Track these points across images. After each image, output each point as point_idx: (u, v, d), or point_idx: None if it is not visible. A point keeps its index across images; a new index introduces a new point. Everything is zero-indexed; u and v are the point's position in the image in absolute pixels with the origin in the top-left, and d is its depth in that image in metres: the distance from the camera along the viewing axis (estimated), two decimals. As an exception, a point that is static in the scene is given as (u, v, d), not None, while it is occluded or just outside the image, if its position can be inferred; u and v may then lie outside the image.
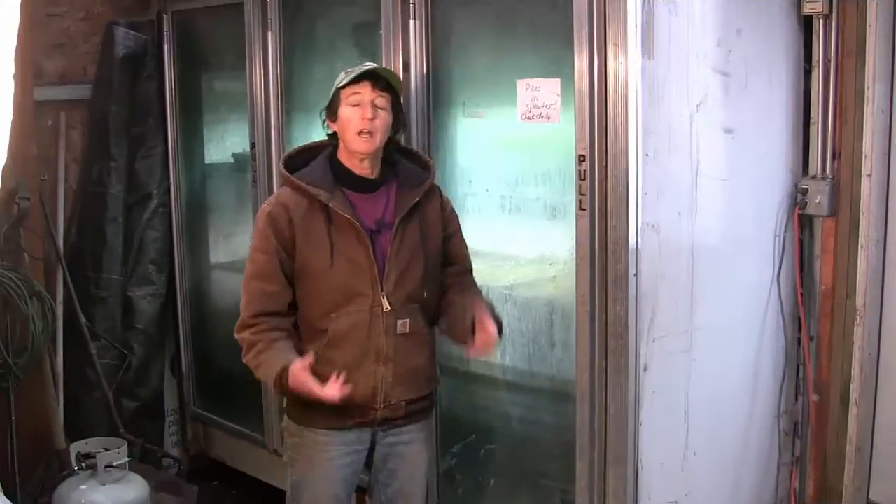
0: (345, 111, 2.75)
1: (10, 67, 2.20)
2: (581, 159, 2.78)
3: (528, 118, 2.99)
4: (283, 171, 2.84)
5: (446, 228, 2.92)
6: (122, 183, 4.43)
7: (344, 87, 2.75)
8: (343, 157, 2.81)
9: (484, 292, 3.29)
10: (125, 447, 3.67)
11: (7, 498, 3.05)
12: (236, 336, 2.81)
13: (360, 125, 2.71)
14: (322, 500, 2.88)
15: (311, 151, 2.90)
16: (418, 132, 3.34)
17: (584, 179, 2.78)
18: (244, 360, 2.81)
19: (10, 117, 2.24)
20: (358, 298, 2.74)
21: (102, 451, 3.61)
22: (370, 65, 2.81)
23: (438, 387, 3.04)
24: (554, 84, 2.92)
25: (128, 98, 4.43)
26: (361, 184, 2.79)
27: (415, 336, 2.81)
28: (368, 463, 2.93)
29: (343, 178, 2.78)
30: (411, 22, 3.29)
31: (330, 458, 2.84)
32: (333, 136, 2.84)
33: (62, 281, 4.25)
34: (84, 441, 3.70)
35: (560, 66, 2.87)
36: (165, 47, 4.46)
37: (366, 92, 2.73)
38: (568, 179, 2.90)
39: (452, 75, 3.31)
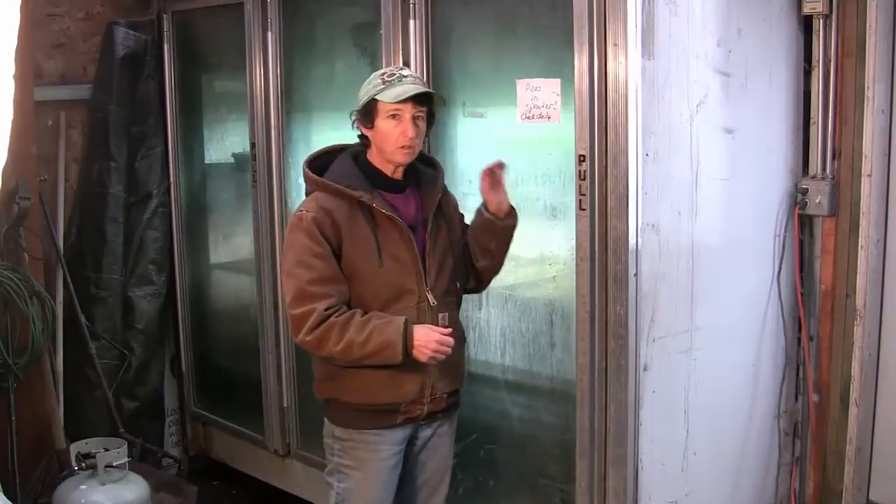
0: (385, 124, 2.73)
1: (10, 67, 2.20)
2: (581, 159, 2.78)
3: (528, 118, 2.99)
4: (315, 176, 2.79)
5: (461, 222, 2.98)
6: (122, 183, 4.43)
7: (382, 100, 2.71)
8: (375, 160, 2.80)
9: (484, 292, 3.30)
10: (125, 447, 3.67)
11: (7, 498, 3.04)
12: (307, 338, 2.66)
13: (401, 141, 2.73)
14: (375, 498, 2.86)
15: (329, 155, 2.89)
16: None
17: (584, 179, 2.78)
18: (332, 350, 2.65)
19: (10, 117, 2.24)
20: (406, 295, 2.77)
21: (102, 451, 3.61)
22: (407, 74, 2.75)
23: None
24: (554, 84, 2.92)
25: (128, 98, 4.43)
26: (393, 185, 2.81)
27: (453, 329, 2.84)
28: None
29: (375, 179, 2.79)
30: (411, 22, 3.29)
31: (381, 458, 2.84)
32: (362, 138, 2.82)
33: (62, 281, 4.25)
34: (84, 441, 3.70)
35: (560, 66, 2.87)
36: (165, 47, 4.46)
37: (407, 108, 2.71)
38: (568, 179, 2.91)
39: (452, 75, 3.31)
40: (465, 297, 3.33)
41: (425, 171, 2.90)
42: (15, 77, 2.24)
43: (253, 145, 3.99)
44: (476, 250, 2.94)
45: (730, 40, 2.93)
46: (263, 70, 3.90)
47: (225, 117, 4.43)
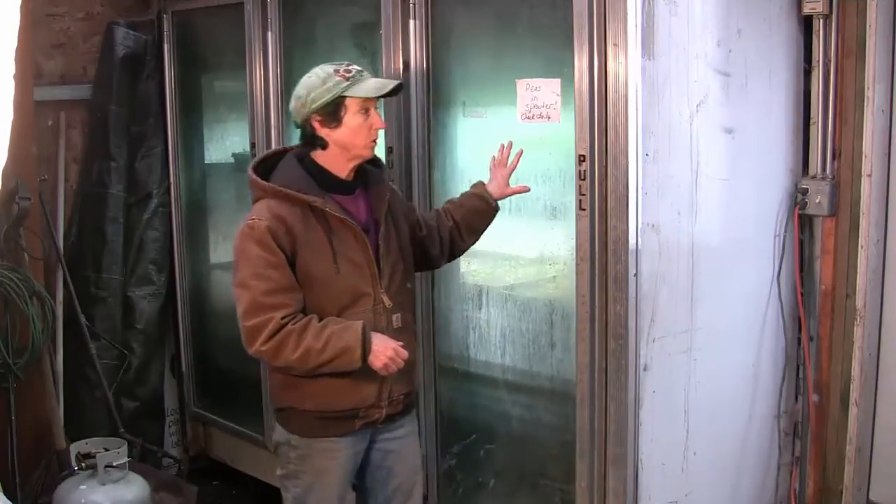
0: (355, 119, 2.72)
1: (10, 67, 2.20)
2: (581, 159, 2.78)
3: (528, 118, 2.99)
4: (264, 182, 2.75)
5: (410, 217, 2.98)
6: (122, 183, 4.43)
7: (355, 96, 2.71)
8: (327, 161, 2.76)
9: (484, 292, 3.30)
10: (125, 447, 3.67)
11: (7, 498, 3.04)
12: (262, 348, 2.63)
13: (372, 135, 2.74)
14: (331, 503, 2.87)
15: (271, 160, 2.86)
16: (418, 132, 3.34)
17: (584, 179, 2.78)
18: (290, 358, 2.63)
19: (10, 117, 2.24)
20: (362, 299, 2.75)
21: (102, 451, 3.61)
22: (362, 69, 2.77)
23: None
24: (554, 84, 2.92)
25: (128, 98, 4.43)
26: (343, 187, 2.78)
27: (406, 329, 2.86)
28: (362, 464, 2.93)
29: (324, 182, 2.75)
30: (411, 22, 3.29)
31: (339, 463, 2.83)
32: (315, 139, 2.76)
33: (62, 281, 4.25)
34: (84, 441, 3.70)
35: (560, 66, 2.87)
36: (165, 47, 4.46)
37: (372, 101, 2.75)
38: (568, 179, 2.91)
39: (452, 75, 3.31)
40: (464, 296, 3.35)
41: (371, 170, 2.88)
42: (15, 77, 2.23)
43: (253, 145, 3.99)
44: (465, 231, 3.02)
45: (730, 40, 2.93)
46: (263, 70, 3.90)
47: (225, 117, 4.43)
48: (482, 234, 3.07)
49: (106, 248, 4.41)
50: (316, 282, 2.70)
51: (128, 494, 3.58)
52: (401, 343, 2.72)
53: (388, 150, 3.38)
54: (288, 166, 2.78)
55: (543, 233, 3.10)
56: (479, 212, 3.01)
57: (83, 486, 3.56)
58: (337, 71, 2.73)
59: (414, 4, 3.27)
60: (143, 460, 4.24)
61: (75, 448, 3.65)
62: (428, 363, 3.45)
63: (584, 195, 2.79)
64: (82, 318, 4.24)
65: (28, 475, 3.95)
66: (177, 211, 4.58)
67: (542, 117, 2.97)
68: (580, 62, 2.75)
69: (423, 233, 3.00)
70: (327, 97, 2.70)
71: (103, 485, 3.55)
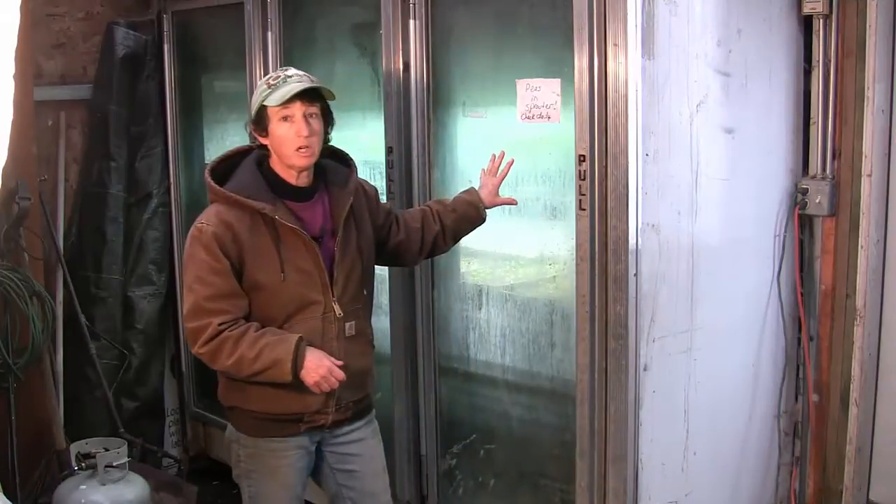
0: (278, 128, 2.68)
1: (10, 67, 2.20)
2: (581, 159, 2.78)
3: (528, 118, 2.99)
4: (216, 186, 2.73)
5: (378, 219, 2.94)
6: (122, 183, 4.43)
7: (270, 105, 2.67)
8: (278, 167, 2.74)
9: (484, 292, 3.30)
10: (125, 447, 3.67)
11: (7, 498, 3.04)
12: (200, 350, 2.64)
13: (297, 142, 2.67)
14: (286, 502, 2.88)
15: (232, 160, 2.83)
16: (418, 132, 3.34)
17: (584, 179, 2.78)
18: (225, 364, 2.65)
19: (10, 117, 2.24)
20: (311, 306, 2.73)
21: (102, 451, 3.61)
22: (292, 74, 2.71)
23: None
24: (554, 84, 2.92)
25: (128, 98, 4.43)
26: (298, 193, 2.75)
27: (360, 337, 2.85)
28: (318, 472, 2.93)
29: (279, 188, 2.73)
30: (411, 22, 3.29)
31: (288, 463, 2.84)
32: (262, 147, 2.76)
33: (62, 281, 4.25)
34: (84, 441, 3.69)
35: (560, 66, 2.87)
36: (165, 47, 4.47)
37: (296, 107, 2.67)
38: (568, 179, 2.91)
39: (452, 75, 3.31)
40: (464, 296, 3.34)
41: (336, 169, 2.84)
42: (15, 77, 2.23)
43: (253, 145, 3.99)
44: (450, 236, 3.02)
45: (730, 40, 2.93)
46: (263, 70, 3.89)
47: (225, 117, 4.43)
48: (462, 238, 3.09)
49: (106, 248, 4.41)
50: (262, 289, 2.69)
51: (128, 494, 3.58)
52: (340, 363, 2.69)
53: (388, 150, 3.38)
54: (244, 170, 2.76)
55: (543, 233, 3.10)
56: (469, 220, 3.01)
57: (83, 486, 3.55)
58: (268, 79, 2.72)
59: (414, 4, 3.27)
60: (143, 460, 4.24)
61: (75, 448, 3.65)
62: (428, 363, 3.45)
63: (584, 195, 2.79)
64: (82, 318, 4.24)
65: (28, 475, 3.95)
66: (177, 211, 4.58)
67: (542, 117, 2.96)
68: (580, 62, 2.75)
69: (400, 236, 2.99)
70: (255, 107, 2.72)
71: (103, 485, 3.55)
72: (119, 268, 4.44)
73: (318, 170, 2.80)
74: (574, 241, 2.86)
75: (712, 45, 2.89)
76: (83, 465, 3.58)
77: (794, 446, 3.37)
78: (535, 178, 3.07)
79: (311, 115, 2.69)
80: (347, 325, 2.78)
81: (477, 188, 3.05)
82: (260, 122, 2.72)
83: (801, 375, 3.31)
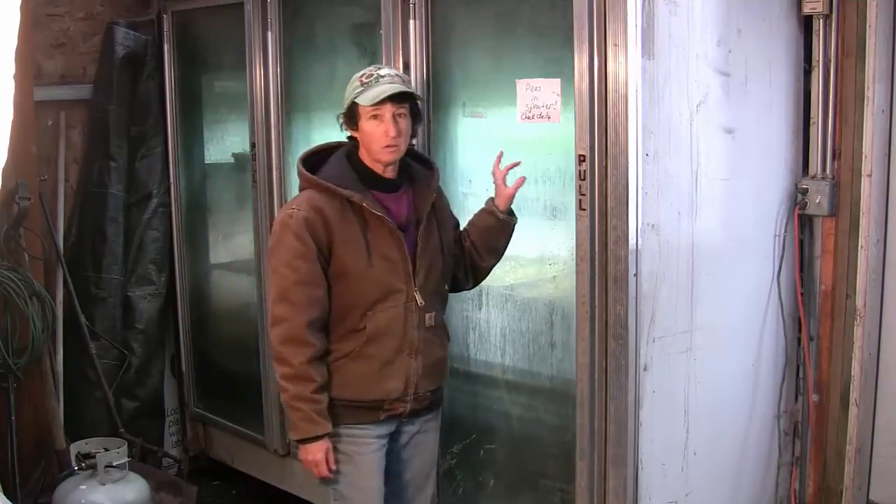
0: (368, 125, 2.77)
1: (10, 67, 2.20)
2: (581, 159, 2.78)
3: (528, 118, 2.99)
4: (308, 174, 2.83)
5: (455, 227, 3.03)
6: (122, 183, 4.43)
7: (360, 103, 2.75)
8: (366, 159, 2.83)
9: (484, 292, 3.30)
10: (125, 447, 3.67)
11: (7, 498, 3.05)
12: (282, 347, 2.74)
13: (385, 141, 2.76)
14: (369, 489, 2.90)
15: (324, 153, 2.92)
16: (418, 132, 3.33)
17: (584, 179, 2.78)
18: (277, 370, 2.77)
19: (10, 117, 2.24)
20: (394, 294, 2.80)
21: (102, 451, 3.61)
22: (385, 74, 2.78)
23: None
24: (554, 84, 2.92)
25: (128, 98, 4.43)
26: (385, 184, 2.83)
27: (438, 328, 2.92)
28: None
29: (367, 178, 2.82)
30: (411, 22, 3.29)
31: (368, 450, 2.88)
32: (352, 138, 2.86)
33: (62, 281, 4.25)
34: (84, 441, 3.70)
35: (560, 66, 2.87)
36: (165, 47, 4.46)
37: (387, 108, 2.75)
38: (568, 179, 2.90)
39: (452, 75, 3.31)
40: (464, 296, 3.34)
41: (420, 170, 2.93)
42: (15, 77, 2.23)
43: (253, 145, 3.99)
44: (483, 250, 3.00)
45: (730, 40, 2.93)
46: (263, 70, 3.90)
47: (225, 117, 4.43)
48: (502, 251, 3.03)
49: (106, 248, 4.41)
50: (349, 274, 2.77)
51: (128, 494, 3.58)
52: (333, 466, 2.81)
53: (389, 150, 3.38)
54: (336, 161, 2.86)
55: (543, 233, 3.10)
56: (490, 228, 2.99)
57: (83, 486, 3.56)
58: (362, 76, 2.80)
59: (414, 4, 3.27)
60: (143, 460, 4.24)
61: (75, 448, 3.65)
62: (428, 363, 3.45)
63: (584, 195, 2.79)
64: (82, 318, 4.24)
65: (28, 475, 3.95)
66: (177, 211, 4.58)
67: (542, 117, 2.96)
68: (580, 62, 2.75)
69: (456, 252, 3.02)
70: (347, 102, 2.80)
71: (103, 485, 3.55)
72: (119, 268, 4.44)
73: (404, 166, 2.88)
74: (574, 241, 2.86)
75: (712, 44, 2.89)
76: (83, 465, 3.59)
77: (794, 446, 3.37)
78: (535, 178, 3.07)
79: (399, 115, 2.77)
80: (427, 315, 2.85)
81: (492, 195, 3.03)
82: (351, 116, 2.81)
83: (801, 375, 3.31)
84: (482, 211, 3.02)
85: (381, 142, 2.76)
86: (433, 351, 2.89)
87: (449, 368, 3.05)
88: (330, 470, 2.81)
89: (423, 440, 3.00)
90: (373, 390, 2.82)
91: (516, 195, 2.97)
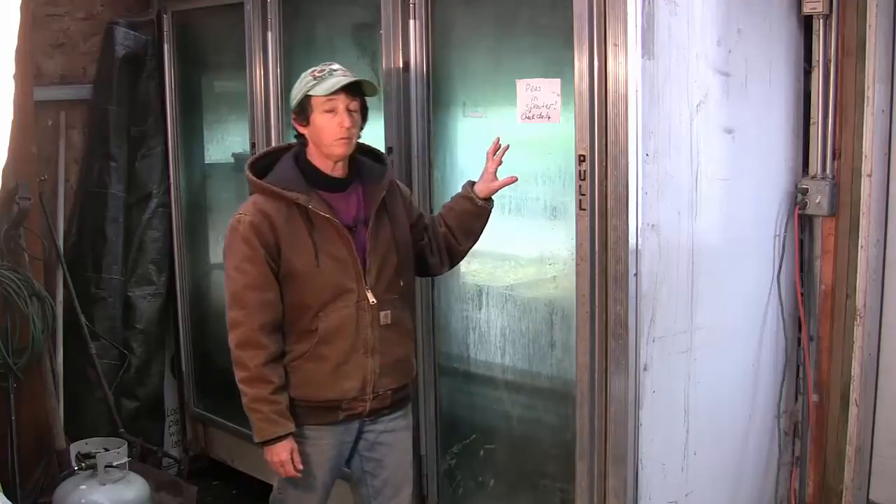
0: (320, 119, 2.79)
1: (10, 67, 2.20)
2: (581, 159, 2.78)
3: (528, 118, 2.99)
4: (255, 178, 2.86)
5: (412, 216, 3.02)
6: (122, 183, 4.43)
7: (315, 95, 2.78)
8: (315, 159, 2.85)
9: (484, 292, 3.30)
10: (125, 447, 3.67)
11: (7, 498, 3.04)
12: (238, 351, 2.79)
13: (338, 133, 2.78)
14: (314, 490, 2.93)
15: (272, 155, 2.96)
16: (418, 132, 3.34)
17: (584, 179, 2.78)
18: (239, 381, 2.79)
19: (10, 117, 2.24)
20: (345, 294, 2.81)
21: (102, 451, 3.61)
22: (337, 68, 2.82)
23: (416, 375, 3.12)
24: (554, 84, 2.92)
25: (128, 98, 4.43)
26: (333, 184, 2.85)
27: (397, 326, 2.91)
28: (351, 454, 2.99)
29: (314, 179, 2.83)
30: (411, 22, 3.29)
31: (321, 450, 2.90)
32: (300, 137, 2.87)
33: (62, 281, 4.25)
34: (84, 441, 3.70)
35: (560, 66, 2.87)
36: (165, 47, 4.47)
37: (341, 100, 2.77)
38: (568, 179, 2.90)
39: (452, 75, 3.31)
40: (463, 296, 3.34)
41: (371, 166, 2.94)
42: (15, 77, 2.23)
43: (253, 145, 3.99)
44: (459, 234, 3.03)
45: (730, 40, 2.93)
46: (263, 70, 3.90)
47: (225, 117, 4.43)
48: (479, 233, 3.06)
49: (106, 248, 4.41)
50: (297, 276, 2.80)
51: (128, 494, 3.58)
52: (300, 466, 2.81)
53: (388, 150, 3.38)
54: (283, 163, 2.88)
55: (543, 233, 3.10)
56: (468, 213, 3.01)
57: (83, 486, 3.56)
58: (313, 71, 2.82)
59: (414, 4, 3.27)
60: (143, 460, 4.24)
61: (75, 448, 3.65)
62: (428, 363, 3.45)
63: (584, 195, 2.79)
64: (82, 318, 4.24)
65: (28, 475, 3.95)
66: (177, 211, 4.58)
67: (542, 117, 2.96)
68: (580, 62, 2.75)
69: (423, 241, 3.04)
70: (299, 96, 2.81)
71: (103, 485, 3.55)
72: (119, 268, 4.44)
73: (354, 164, 2.89)
74: (574, 241, 2.86)
75: (712, 44, 2.89)
76: (83, 465, 3.59)
77: (794, 446, 3.37)
78: (535, 178, 3.07)
79: (352, 109, 2.80)
80: (382, 313, 2.85)
81: (475, 180, 3.06)
82: (302, 111, 2.82)
83: (801, 375, 3.32)
84: (459, 196, 3.04)
85: (336, 134, 2.77)
86: (392, 349, 2.89)
87: (415, 365, 3.05)
88: (297, 469, 2.82)
89: (394, 439, 2.99)
90: (328, 390, 2.84)
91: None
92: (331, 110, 2.77)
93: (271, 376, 2.77)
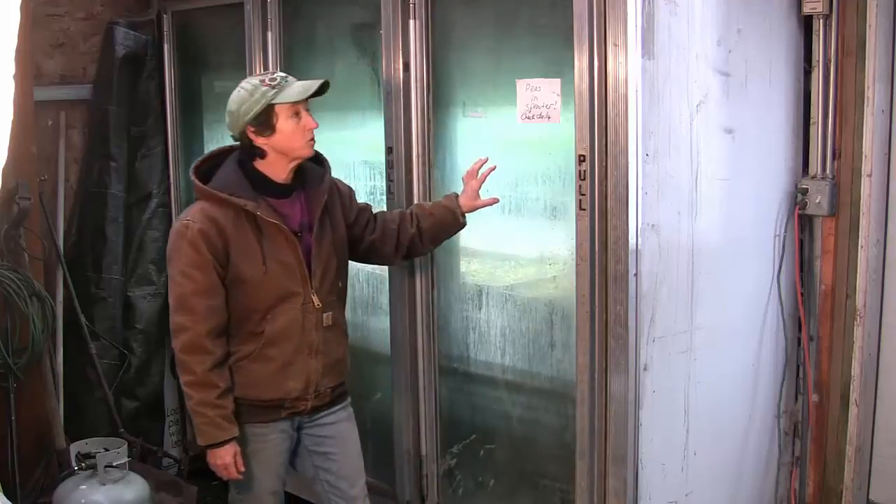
0: (287, 125, 2.82)
1: (10, 67, 2.20)
2: (581, 159, 2.78)
3: (528, 118, 2.99)
4: (202, 185, 2.88)
5: (351, 217, 3.07)
6: (122, 183, 4.43)
7: (283, 102, 2.80)
8: (264, 166, 2.87)
9: (484, 292, 3.30)
10: (125, 447, 3.66)
11: (7, 498, 3.04)
12: (183, 356, 2.81)
13: (308, 135, 2.84)
14: (269, 484, 3.00)
15: (215, 159, 2.98)
16: (418, 132, 3.34)
17: (584, 179, 2.78)
18: (184, 384, 2.82)
19: (10, 117, 2.24)
20: (291, 298, 2.87)
21: (102, 451, 3.61)
22: (287, 76, 2.86)
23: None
24: (554, 84, 2.92)
25: (128, 98, 4.43)
26: (279, 190, 2.89)
27: (336, 327, 2.99)
28: (295, 456, 3.06)
29: (260, 185, 2.86)
30: (411, 22, 3.29)
31: (274, 444, 2.96)
32: (252, 149, 2.86)
33: (62, 281, 4.25)
34: (84, 441, 3.69)
35: (560, 66, 2.87)
36: (165, 47, 4.46)
37: (301, 103, 2.84)
38: (568, 179, 2.90)
39: (452, 75, 3.31)
40: (464, 296, 3.34)
41: (312, 168, 2.97)
42: (15, 77, 2.23)
43: (253, 145, 3.99)
44: (427, 240, 3.12)
45: (730, 40, 2.93)
46: (263, 70, 3.89)
47: (225, 117, 4.42)
48: (442, 242, 3.19)
49: (106, 248, 4.41)
50: (245, 281, 2.83)
51: (128, 494, 3.57)
52: (242, 469, 2.86)
53: (388, 150, 3.38)
54: (228, 169, 2.91)
55: (543, 233, 3.10)
56: (446, 224, 3.11)
57: (83, 486, 3.55)
58: (263, 81, 2.84)
59: (414, 4, 3.27)
60: (143, 460, 4.24)
61: (75, 448, 3.64)
62: (428, 363, 3.45)
63: (584, 195, 2.79)
64: (82, 318, 4.24)
65: (28, 475, 3.95)
66: (177, 211, 4.57)
67: (542, 117, 2.97)
68: (580, 62, 2.75)
69: (374, 235, 3.10)
70: (257, 108, 2.81)
71: (103, 485, 3.55)
72: (119, 268, 4.44)
73: (297, 169, 2.92)
74: (574, 241, 2.86)
75: (712, 44, 2.89)
76: (83, 465, 3.58)
77: (794, 446, 3.37)
78: (535, 178, 3.07)
79: (308, 110, 2.87)
80: (325, 315, 2.93)
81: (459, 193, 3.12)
82: (266, 121, 2.82)
83: (801, 375, 3.32)
84: (444, 207, 3.10)
85: (306, 136, 2.83)
86: (333, 350, 2.98)
87: (348, 365, 3.10)
88: (239, 472, 2.87)
89: (337, 431, 3.05)
90: (273, 390, 2.90)
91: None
92: (296, 114, 2.82)
93: (217, 380, 2.81)
